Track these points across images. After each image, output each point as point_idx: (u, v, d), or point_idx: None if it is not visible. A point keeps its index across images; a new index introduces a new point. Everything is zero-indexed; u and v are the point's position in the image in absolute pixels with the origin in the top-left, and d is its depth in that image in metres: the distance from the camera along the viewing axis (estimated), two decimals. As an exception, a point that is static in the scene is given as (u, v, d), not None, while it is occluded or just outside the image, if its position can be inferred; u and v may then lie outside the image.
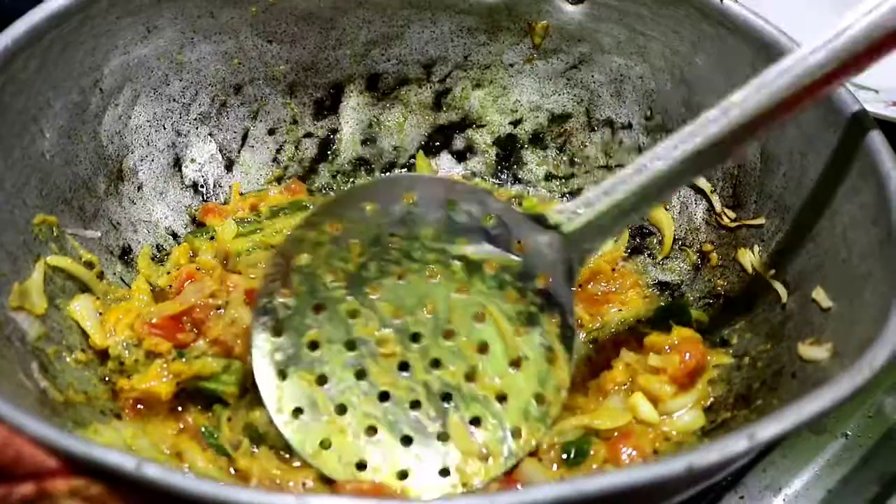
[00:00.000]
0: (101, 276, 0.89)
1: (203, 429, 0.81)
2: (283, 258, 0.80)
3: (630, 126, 1.02)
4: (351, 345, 0.81)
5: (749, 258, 0.90)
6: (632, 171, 0.75)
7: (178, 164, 1.00)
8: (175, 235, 0.98)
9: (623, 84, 1.01)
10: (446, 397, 0.81)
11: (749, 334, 0.86)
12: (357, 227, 0.80)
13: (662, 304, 0.94)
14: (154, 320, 0.83)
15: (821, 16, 0.94)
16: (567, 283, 0.80)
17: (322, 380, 0.80)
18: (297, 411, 0.79)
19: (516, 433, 0.80)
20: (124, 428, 0.78)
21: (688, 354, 0.84)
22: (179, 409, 0.82)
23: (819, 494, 0.87)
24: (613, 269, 0.97)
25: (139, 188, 0.96)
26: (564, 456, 0.80)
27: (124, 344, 0.83)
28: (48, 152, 0.86)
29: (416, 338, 0.82)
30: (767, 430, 0.60)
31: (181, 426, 0.81)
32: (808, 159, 0.84)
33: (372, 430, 0.80)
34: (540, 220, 0.79)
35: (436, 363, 0.82)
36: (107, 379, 0.82)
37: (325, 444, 0.79)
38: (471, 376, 0.81)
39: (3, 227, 0.80)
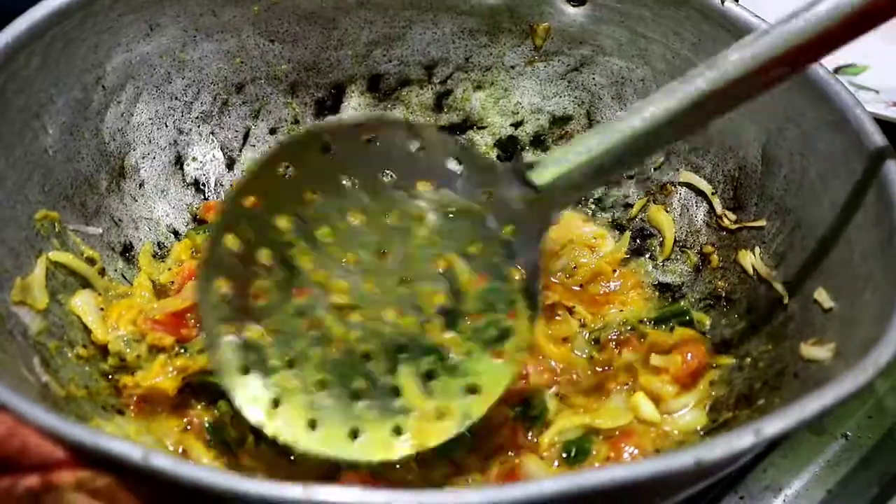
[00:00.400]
0: (102, 272, 0.88)
1: (207, 424, 0.80)
2: (233, 205, 0.73)
3: (630, 128, 1.02)
4: (301, 292, 0.75)
5: (750, 260, 0.90)
6: (608, 128, 0.73)
7: (179, 162, 1.00)
8: (176, 233, 0.98)
9: (624, 86, 1.01)
10: (400, 349, 0.75)
11: (750, 335, 0.86)
12: (312, 170, 0.73)
13: (664, 305, 0.94)
14: (157, 316, 0.83)
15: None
16: (536, 236, 0.76)
17: (271, 332, 0.74)
18: (246, 368, 0.74)
19: (473, 390, 0.75)
20: (127, 424, 0.77)
21: (689, 354, 0.84)
22: (183, 405, 0.81)
23: (819, 495, 0.87)
24: (614, 271, 0.97)
25: (141, 185, 0.96)
26: (565, 455, 0.80)
27: (125, 339, 0.82)
28: (50, 149, 0.86)
29: (370, 285, 0.75)
30: (773, 425, 0.60)
31: (186, 424, 0.80)
32: (809, 161, 0.84)
33: (322, 385, 0.74)
34: (511, 171, 0.75)
35: (390, 312, 0.76)
36: (109, 376, 0.82)
37: (275, 403, 0.73)
38: (426, 327, 0.76)
39: (6, 223, 0.79)
